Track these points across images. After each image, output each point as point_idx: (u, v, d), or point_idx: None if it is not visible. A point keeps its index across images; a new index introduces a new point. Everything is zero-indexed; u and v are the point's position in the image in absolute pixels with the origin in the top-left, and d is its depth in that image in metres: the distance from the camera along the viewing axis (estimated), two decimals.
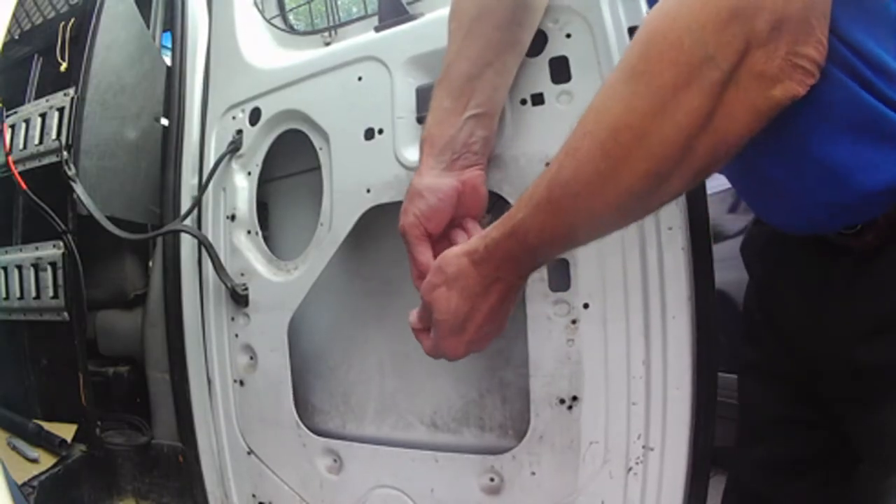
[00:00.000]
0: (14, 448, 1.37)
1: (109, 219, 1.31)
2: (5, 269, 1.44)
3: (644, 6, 0.89)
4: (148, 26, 1.52)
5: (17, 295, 1.41)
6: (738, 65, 0.44)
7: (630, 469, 0.90)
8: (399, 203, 1.02)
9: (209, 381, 1.35)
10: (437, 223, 0.83)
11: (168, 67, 1.48)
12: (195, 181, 1.37)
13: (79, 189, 1.30)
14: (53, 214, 1.34)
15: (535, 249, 0.60)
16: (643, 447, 0.89)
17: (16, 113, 1.44)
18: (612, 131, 0.49)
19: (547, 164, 0.91)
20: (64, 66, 1.41)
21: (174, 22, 1.45)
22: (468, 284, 0.66)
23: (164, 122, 1.48)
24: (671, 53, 0.45)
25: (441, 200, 0.82)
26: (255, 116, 1.27)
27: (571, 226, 0.56)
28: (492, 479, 1.01)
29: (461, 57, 0.83)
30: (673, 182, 0.49)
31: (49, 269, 1.37)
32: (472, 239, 0.68)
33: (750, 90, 0.44)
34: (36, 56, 1.50)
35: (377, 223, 1.12)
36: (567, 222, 0.56)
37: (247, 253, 1.28)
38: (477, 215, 0.87)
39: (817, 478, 0.71)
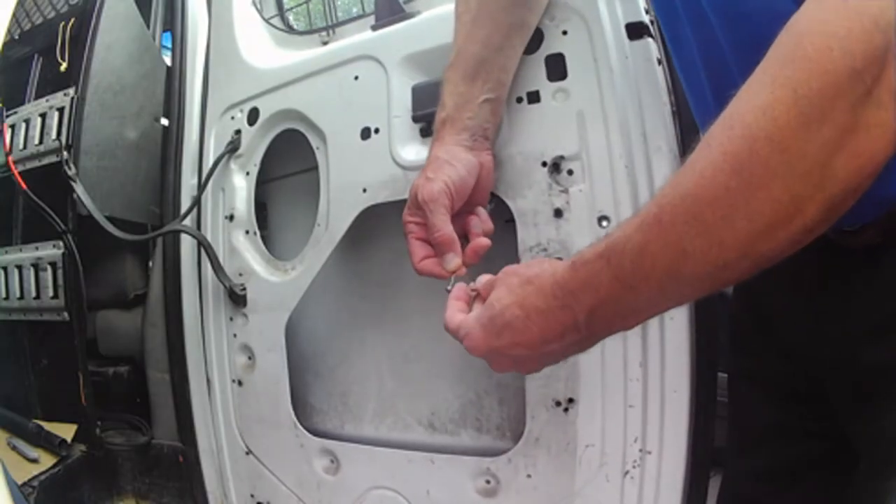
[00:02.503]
0: (14, 448, 1.38)
1: (109, 219, 1.31)
2: (5, 269, 1.45)
3: (641, 2, 0.88)
4: (148, 26, 1.52)
5: (17, 295, 1.42)
6: (878, 80, 0.40)
7: (627, 473, 0.89)
8: (394, 202, 1.03)
9: (208, 381, 1.35)
10: (460, 197, 0.80)
11: (168, 67, 1.48)
12: (195, 181, 1.37)
13: (79, 189, 1.30)
14: (53, 214, 1.34)
15: (627, 281, 0.50)
16: (640, 450, 0.88)
17: (16, 113, 1.45)
18: (748, 142, 0.43)
19: (544, 164, 0.92)
20: (64, 66, 1.42)
21: (174, 22, 1.45)
22: (536, 294, 0.57)
23: (164, 122, 1.48)
24: (821, 60, 0.41)
25: (469, 174, 0.80)
26: (253, 116, 1.27)
27: (681, 253, 0.46)
28: (487, 482, 1.00)
29: (471, 40, 0.82)
30: (807, 210, 0.43)
31: (49, 269, 1.38)
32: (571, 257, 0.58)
33: (890, 111, 0.41)
34: (36, 56, 1.50)
35: (373, 223, 1.11)
36: (678, 248, 0.46)
37: (245, 253, 1.28)
38: (483, 202, 0.86)
39: (814, 483, 0.70)
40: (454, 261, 0.77)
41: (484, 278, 0.68)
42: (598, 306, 0.53)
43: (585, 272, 0.53)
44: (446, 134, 0.82)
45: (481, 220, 0.83)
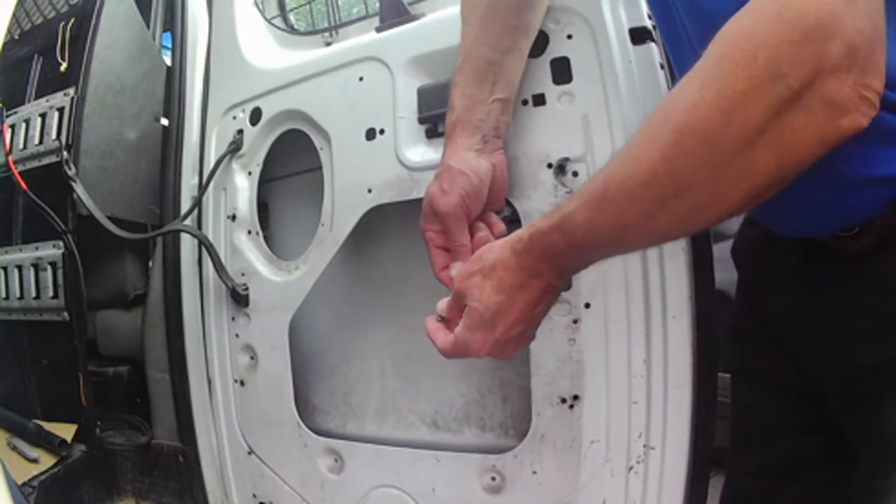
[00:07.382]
0: (14, 448, 1.37)
1: (109, 219, 1.31)
2: (5, 269, 1.44)
3: (644, 7, 0.90)
4: (148, 26, 1.52)
5: (17, 295, 1.41)
6: (808, 88, 0.43)
7: (631, 468, 0.90)
8: (400, 203, 1.04)
9: (209, 381, 1.35)
10: (476, 207, 0.82)
11: (168, 67, 1.48)
12: (195, 181, 1.37)
13: (79, 189, 1.30)
14: (53, 214, 1.34)
15: (581, 247, 0.58)
16: (644, 446, 0.90)
17: (16, 113, 1.45)
18: (675, 135, 0.48)
19: (549, 165, 0.93)
20: (64, 66, 1.42)
21: (174, 22, 1.45)
22: (506, 275, 0.63)
23: (164, 122, 1.48)
24: (745, 67, 0.45)
25: (482, 182, 0.82)
26: (255, 116, 1.27)
27: (623, 226, 0.54)
28: (493, 479, 1.01)
29: (480, 42, 0.82)
30: (732, 197, 0.48)
31: (49, 269, 1.38)
32: (518, 230, 0.64)
33: (819, 116, 0.44)
34: (36, 56, 1.50)
35: (378, 223, 1.12)
36: (619, 222, 0.54)
37: (247, 253, 1.28)
38: (497, 206, 0.87)
39: (814, 480, 0.71)
40: None
41: (443, 304, 0.71)
42: (561, 266, 0.61)
43: (544, 244, 0.60)
44: (458, 138, 0.83)
45: (490, 227, 0.84)
